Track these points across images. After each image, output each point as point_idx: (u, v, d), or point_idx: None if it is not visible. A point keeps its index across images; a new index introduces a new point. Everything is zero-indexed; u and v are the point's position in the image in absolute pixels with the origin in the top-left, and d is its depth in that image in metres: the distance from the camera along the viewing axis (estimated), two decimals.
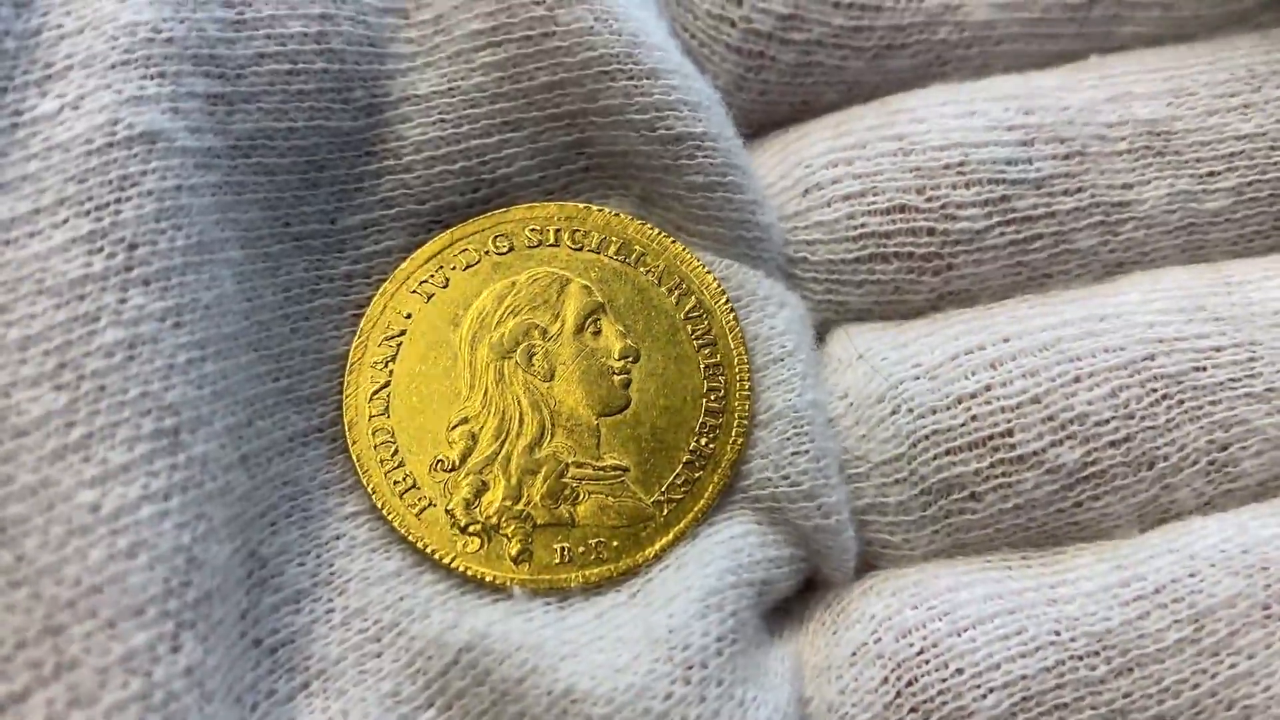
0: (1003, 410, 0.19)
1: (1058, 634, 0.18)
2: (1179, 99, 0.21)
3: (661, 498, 0.19)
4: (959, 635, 0.18)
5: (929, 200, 0.20)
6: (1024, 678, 0.17)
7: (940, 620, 0.18)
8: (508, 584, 0.18)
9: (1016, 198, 0.20)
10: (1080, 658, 0.18)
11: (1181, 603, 0.18)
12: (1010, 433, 0.19)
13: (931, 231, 0.20)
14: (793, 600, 0.19)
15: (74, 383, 0.15)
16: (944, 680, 0.17)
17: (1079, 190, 0.20)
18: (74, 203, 0.16)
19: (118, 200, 0.16)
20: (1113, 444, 0.19)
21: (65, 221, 0.16)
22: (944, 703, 0.17)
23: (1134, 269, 0.21)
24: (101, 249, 0.16)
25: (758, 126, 0.21)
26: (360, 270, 0.19)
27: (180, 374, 0.16)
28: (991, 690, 0.17)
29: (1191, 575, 0.18)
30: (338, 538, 0.18)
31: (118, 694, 0.15)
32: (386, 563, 0.18)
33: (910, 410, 0.19)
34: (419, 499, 0.18)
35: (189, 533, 0.16)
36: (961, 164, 0.20)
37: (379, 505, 0.18)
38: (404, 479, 0.18)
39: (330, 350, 0.19)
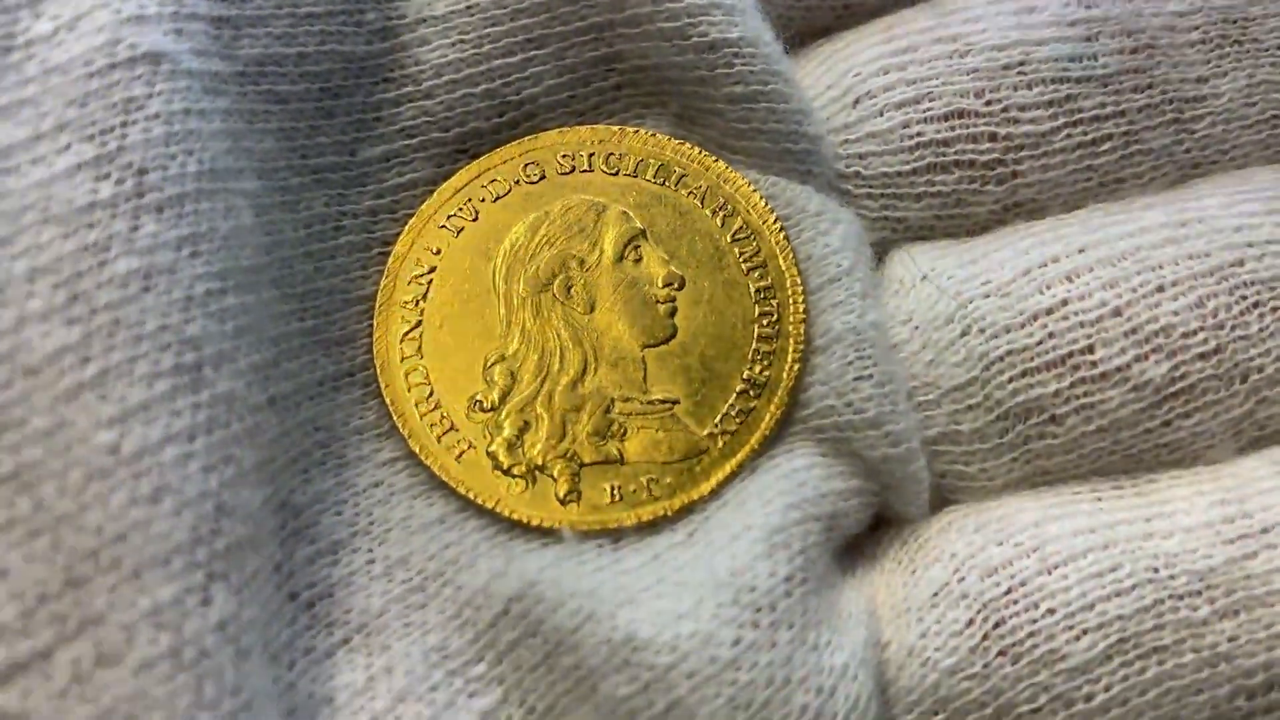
0: (1082, 325, 0.17)
1: (1156, 571, 0.16)
2: None
3: (716, 430, 0.17)
4: (1049, 573, 0.16)
5: (989, 104, 0.18)
6: (1120, 618, 0.16)
7: (1029, 557, 0.16)
8: (556, 526, 0.17)
9: (1082, 96, 0.19)
10: (1181, 597, 0.16)
11: None
12: (1091, 349, 0.17)
13: (993, 137, 0.18)
14: (864, 538, 0.18)
15: (86, 316, 0.14)
16: (1034, 621, 0.16)
17: (1149, 86, 0.19)
18: (76, 127, 0.15)
19: (123, 124, 0.15)
20: (1202, 356, 0.17)
21: (68, 147, 0.15)
22: (1034, 645, 0.16)
23: (1213, 169, 0.19)
24: (109, 175, 0.15)
25: (799, 35, 0.20)
26: (384, 205, 0.18)
27: (200, 306, 0.15)
28: (1086, 631, 0.16)
29: None
30: (375, 485, 0.17)
31: (146, 650, 0.14)
32: (429, 509, 0.17)
33: (982, 330, 0.18)
34: (458, 442, 0.17)
35: (216, 476, 0.15)
36: (1022, 64, 0.19)
37: (417, 450, 0.17)
38: (441, 421, 0.17)
39: (357, 290, 0.18)
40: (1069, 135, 0.19)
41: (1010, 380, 0.17)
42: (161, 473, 0.14)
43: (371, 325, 0.18)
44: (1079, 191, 0.19)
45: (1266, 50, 0.19)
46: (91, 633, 0.13)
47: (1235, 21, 0.19)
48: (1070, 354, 0.17)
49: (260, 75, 0.17)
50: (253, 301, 0.16)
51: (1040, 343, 0.17)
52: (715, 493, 0.17)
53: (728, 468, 0.17)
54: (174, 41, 0.16)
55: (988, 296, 0.18)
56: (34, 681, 0.13)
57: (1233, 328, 0.17)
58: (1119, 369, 0.17)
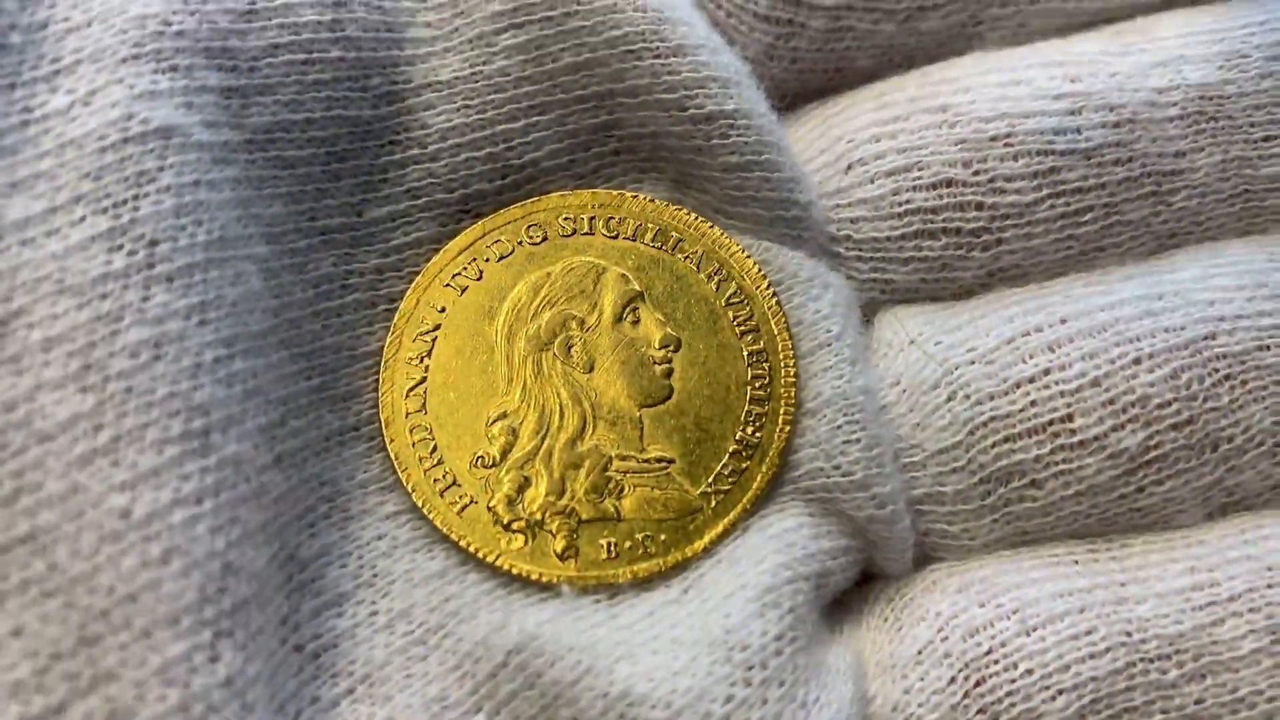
0: (1062, 395, 0.18)
1: (1129, 635, 0.17)
2: (1230, 62, 0.20)
3: (709, 489, 0.18)
4: (1028, 635, 0.17)
5: (976, 174, 0.19)
6: (1094, 679, 0.17)
7: (1009, 619, 0.17)
8: (555, 581, 0.17)
9: (1066, 169, 0.19)
10: (1152, 660, 0.17)
11: (1258, 613, 0.17)
12: (1070, 417, 0.18)
13: (979, 206, 0.19)
14: (850, 594, 0.19)
15: (100, 384, 0.15)
16: (1013, 681, 0.17)
17: (1129, 160, 0.19)
18: (90, 200, 0.15)
19: (135, 197, 0.16)
20: (1175, 427, 0.18)
21: (83, 219, 0.15)
22: (1013, 704, 0.17)
23: (1188, 240, 0.20)
24: (122, 246, 0.15)
25: (791, 98, 0.21)
26: (390, 264, 0.19)
27: (208, 373, 0.15)
28: (1061, 692, 0.17)
29: (1269, 586, 0.17)
30: (379, 538, 0.17)
31: (156, 707, 0.14)
32: (430, 563, 0.17)
33: (967, 396, 0.18)
34: (460, 496, 0.18)
35: (223, 537, 0.15)
36: (1009, 135, 0.19)
37: (420, 504, 0.18)
38: (444, 477, 0.18)
39: (363, 347, 0.18)
40: (1052, 206, 0.19)
41: (993, 445, 0.18)
42: (171, 535, 0.15)
43: (377, 381, 0.18)
44: (1060, 260, 0.19)
45: (1239, 127, 0.20)
46: (104, 689, 0.14)
47: (1211, 99, 0.20)
48: (1050, 422, 0.18)
49: (269, 142, 0.17)
50: (260, 365, 0.16)
51: (1022, 410, 0.18)
52: (708, 550, 0.18)
53: (720, 526, 0.18)
54: (185, 115, 0.16)
55: (973, 363, 0.18)
56: None
57: (1204, 399, 0.18)
58: (1096, 438, 0.18)
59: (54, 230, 0.15)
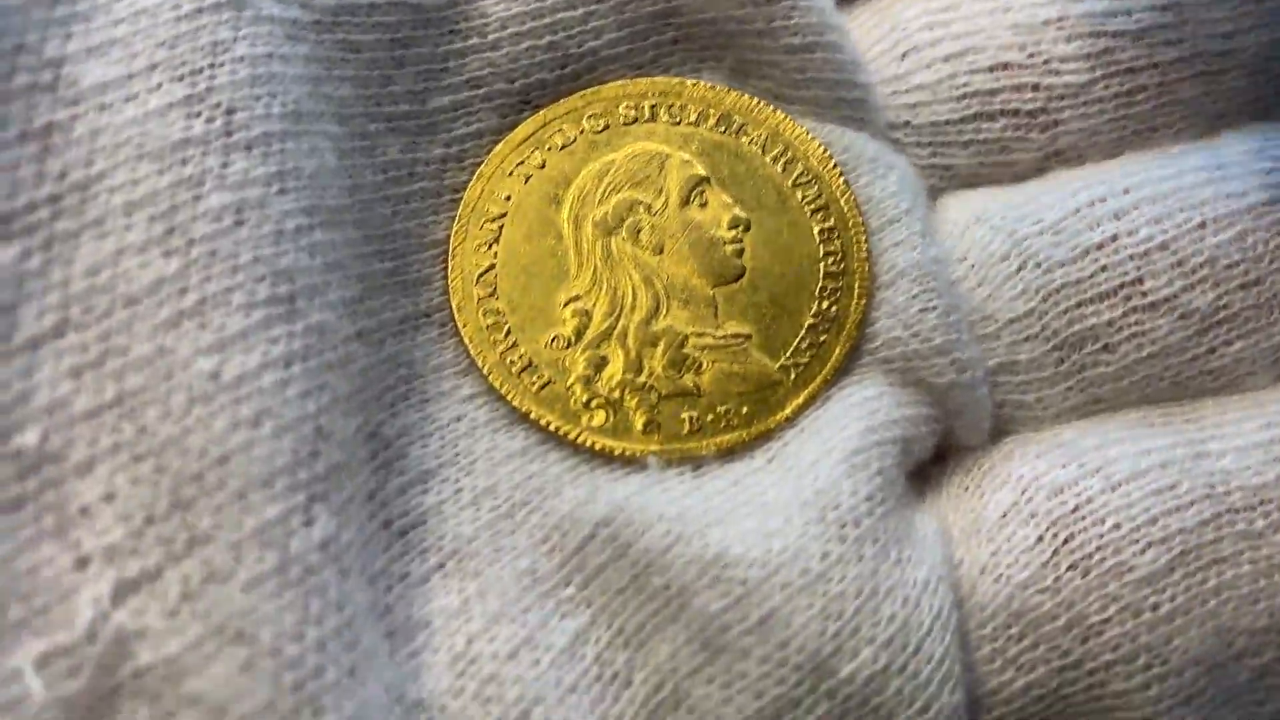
0: (1131, 259, 0.18)
1: (1212, 488, 0.17)
2: None
3: (788, 363, 0.18)
4: (1113, 491, 0.17)
5: (1031, 56, 0.19)
6: (1182, 531, 0.17)
7: (1093, 476, 0.17)
8: (639, 455, 0.17)
9: (1119, 49, 0.19)
10: (1238, 511, 0.17)
11: None
12: (1140, 280, 0.18)
13: (1036, 87, 0.19)
14: (929, 468, 0.19)
15: (184, 248, 0.15)
16: (1101, 536, 0.17)
17: (1180, 40, 0.20)
18: (167, 67, 0.15)
19: (211, 65, 0.15)
20: (1243, 286, 0.18)
21: (160, 86, 0.15)
22: (1103, 558, 0.17)
23: (1240, 120, 0.20)
24: (200, 113, 0.15)
25: None
26: (453, 154, 0.18)
27: (290, 240, 0.15)
28: (1150, 545, 0.17)
29: None
30: (458, 419, 0.17)
31: (254, 569, 0.14)
32: (510, 442, 0.17)
33: (1038, 265, 0.18)
34: (537, 378, 0.17)
35: (314, 402, 0.15)
36: (1061, 19, 0.19)
37: (497, 386, 0.17)
38: (520, 359, 0.18)
39: (430, 235, 0.18)
40: (1106, 86, 0.19)
41: (1066, 311, 0.18)
42: (261, 398, 0.14)
43: (446, 268, 0.18)
44: (1116, 140, 0.20)
45: None
46: (200, 552, 0.14)
47: None
48: (1121, 285, 0.18)
49: (335, 24, 0.17)
50: (339, 239, 0.16)
51: (1093, 275, 0.18)
52: (791, 420, 0.17)
53: (802, 396, 0.18)
54: None
55: (1041, 234, 0.18)
56: (145, 600, 0.13)
57: (1270, 261, 0.18)
58: (1167, 299, 0.18)
59: (132, 96, 0.15)
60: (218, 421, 0.14)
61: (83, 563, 0.13)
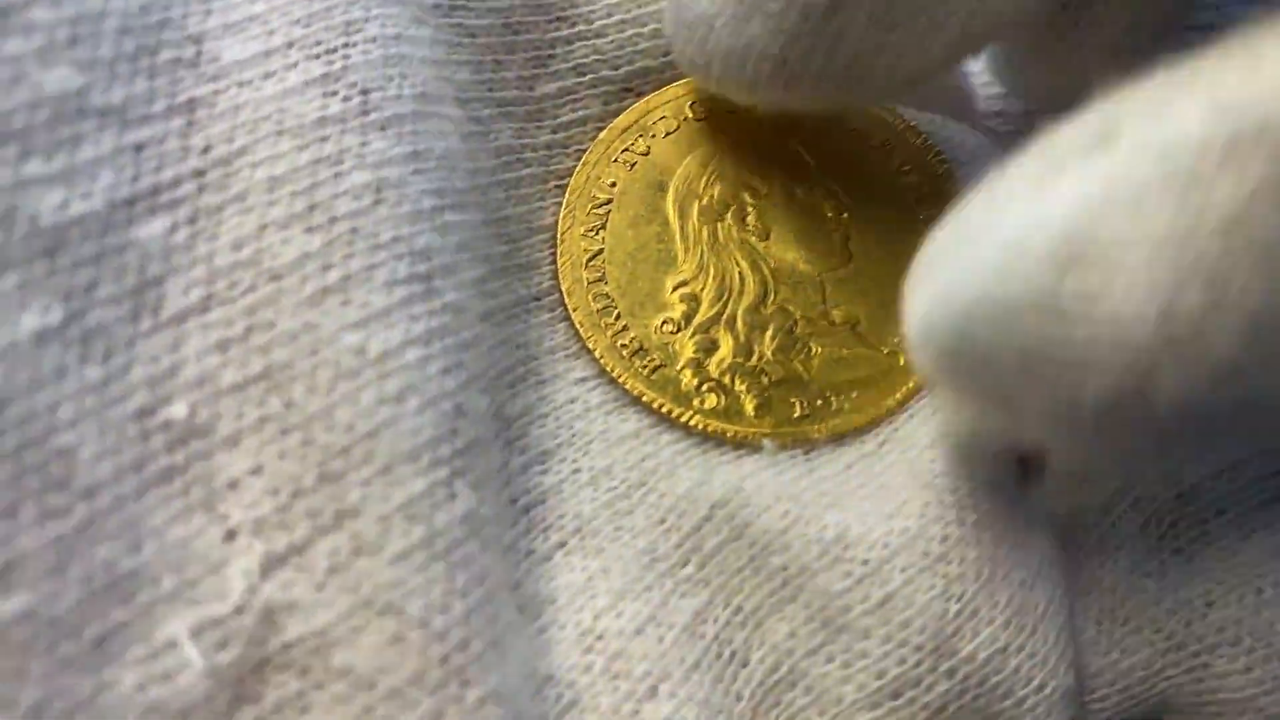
0: None
1: None
2: None
3: (898, 348, 0.18)
4: (1216, 479, 0.17)
5: None
6: None
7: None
8: (750, 437, 0.17)
9: None
10: None
11: None
12: None
13: None
14: (1032, 457, 0.19)
15: (326, 225, 0.15)
16: (1205, 522, 0.17)
17: None
18: (303, 45, 0.15)
19: (345, 45, 0.16)
20: None
21: (296, 64, 0.15)
22: (1207, 544, 0.17)
23: None
24: (336, 92, 0.15)
25: None
26: (559, 140, 0.19)
27: (426, 220, 0.15)
28: (1254, 531, 0.17)
29: None
30: (572, 401, 0.17)
31: (401, 542, 0.14)
32: (623, 424, 0.17)
33: None
34: (648, 361, 0.18)
35: (453, 379, 0.15)
36: None
37: (609, 369, 0.17)
38: (630, 343, 0.18)
39: (538, 220, 0.18)
40: None
41: None
42: (406, 374, 0.14)
43: (554, 253, 0.18)
44: None
45: None
46: (348, 525, 0.14)
47: None
48: None
49: (453, 8, 0.17)
50: (466, 220, 0.16)
51: None
52: (901, 405, 0.18)
53: (911, 382, 0.18)
54: None
55: None
56: (294, 573, 0.13)
57: None
58: None
59: (270, 73, 0.15)
60: (364, 396, 0.14)
61: (231, 535, 0.13)
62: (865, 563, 0.16)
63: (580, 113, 0.19)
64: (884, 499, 0.16)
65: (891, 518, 0.16)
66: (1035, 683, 0.16)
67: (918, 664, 0.16)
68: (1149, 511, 0.17)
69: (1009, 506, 0.17)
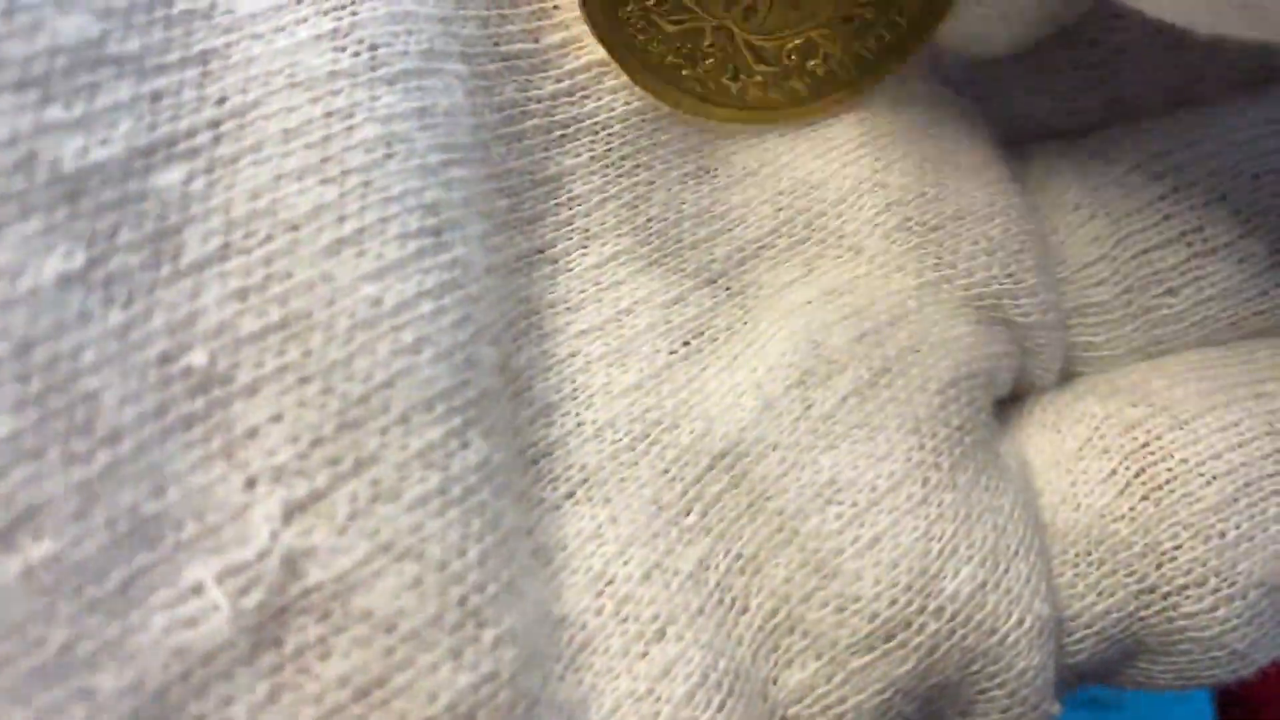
0: (1191, 208, 0.20)
1: (1271, 425, 0.19)
2: None
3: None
4: (1180, 428, 0.19)
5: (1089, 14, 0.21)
6: (1244, 464, 0.18)
7: (1161, 414, 0.19)
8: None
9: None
10: None
11: None
12: (1201, 228, 0.20)
13: (1094, 41, 0.21)
14: (1006, 406, 0.20)
15: (339, 177, 0.15)
16: (1170, 469, 0.18)
17: None
18: (312, 0, 0.15)
19: (352, 1, 0.16)
20: None
21: (307, 19, 0.15)
22: (1172, 490, 0.18)
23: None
24: (345, 48, 0.15)
25: None
26: (564, 89, 0.19)
27: (434, 174, 0.16)
28: (1215, 477, 0.18)
29: None
30: (573, 355, 0.18)
31: (419, 489, 0.14)
32: (624, 375, 0.18)
33: (1108, 214, 0.20)
34: None
35: (465, 331, 0.15)
36: None
37: None
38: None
39: (542, 171, 0.19)
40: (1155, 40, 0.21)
41: (1134, 257, 0.20)
42: (420, 325, 0.15)
43: (556, 205, 0.18)
44: (1172, 89, 0.21)
45: None
46: (367, 472, 0.14)
47: None
48: (1184, 233, 0.20)
49: None
50: (470, 175, 0.17)
51: (1157, 224, 0.20)
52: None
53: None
54: None
55: (1109, 185, 0.20)
56: (314, 519, 0.14)
57: None
58: (1226, 244, 0.20)
59: (282, 26, 0.15)
60: (381, 346, 0.14)
61: (251, 483, 0.14)
62: (855, 504, 0.17)
63: (585, 58, 0.19)
64: (877, 441, 0.17)
65: (881, 460, 0.17)
66: (1014, 618, 0.17)
67: (908, 604, 0.17)
68: (1117, 458, 0.18)
69: (984, 450, 0.18)
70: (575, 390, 0.17)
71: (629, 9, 0.18)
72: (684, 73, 0.19)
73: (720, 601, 0.17)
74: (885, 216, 0.19)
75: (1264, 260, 0.20)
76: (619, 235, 0.19)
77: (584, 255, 0.19)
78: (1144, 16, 0.20)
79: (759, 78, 0.19)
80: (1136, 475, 0.18)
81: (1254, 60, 0.21)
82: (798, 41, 0.19)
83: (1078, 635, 0.18)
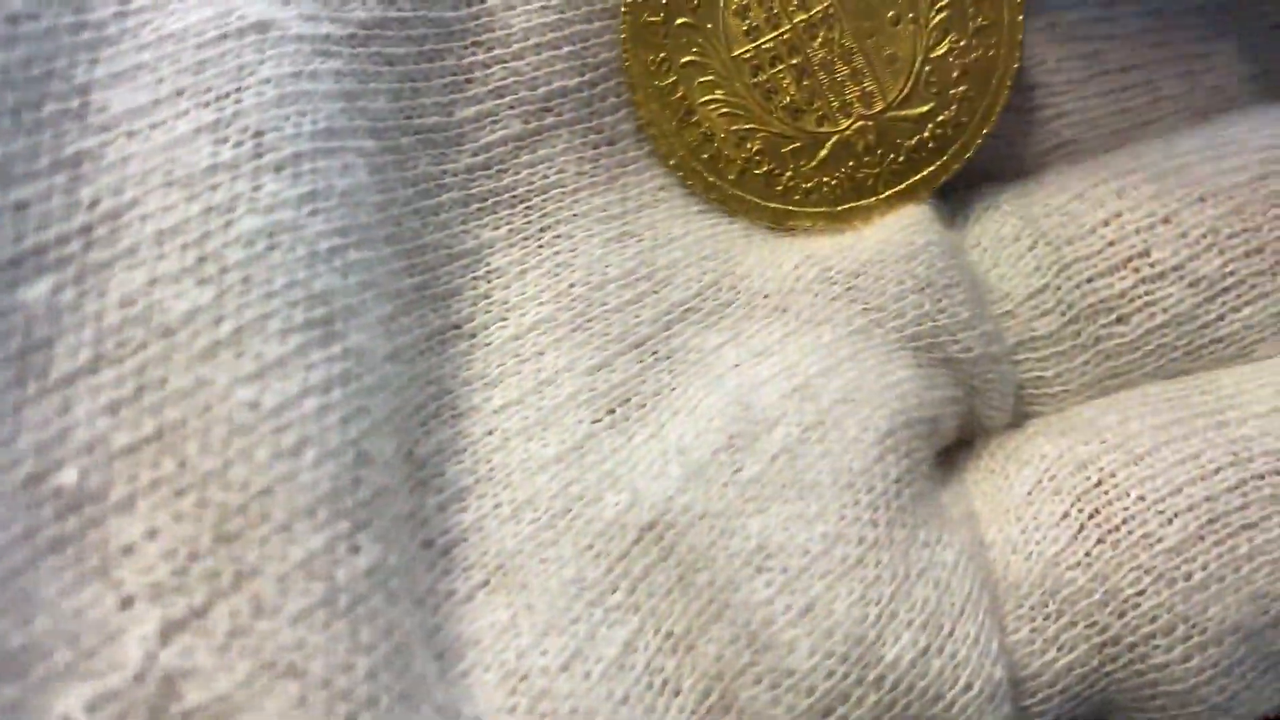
0: (1137, 231, 0.19)
1: (1236, 455, 0.17)
2: None
3: None
4: (1136, 464, 0.17)
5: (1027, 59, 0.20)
6: (1208, 499, 0.17)
7: (1115, 451, 0.18)
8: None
9: (1107, 53, 0.20)
10: (1263, 476, 0.17)
11: None
12: (1148, 252, 0.19)
13: (1035, 85, 0.20)
14: (954, 451, 0.19)
15: (217, 276, 0.14)
16: (1126, 509, 0.17)
17: (1164, 44, 0.20)
18: (193, 93, 0.15)
19: (237, 89, 0.15)
20: (1247, 254, 0.19)
21: (186, 112, 0.15)
22: (1130, 530, 0.17)
23: (1229, 110, 0.21)
24: (227, 139, 0.15)
25: None
26: (480, 162, 0.18)
27: (324, 262, 0.15)
28: (1177, 514, 0.17)
29: None
30: (489, 433, 0.17)
31: (301, 601, 0.14)
32: (544, 450, 0.17)
33: (1049, 242, 0.19)
34: None
35: (355, 427, 0.15)
36: (1052, 25, 0.20)
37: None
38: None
39: (459, 245, 0.18)
40: (1099, 84, 0.20)
41: (1079, 285, 0.19)
42: (303, 425, 0.14)
43: (474, 278, 0.18)
44: (1114, 132, 0.20)
45: (1265, 14, 0.20)
46: (247, 586, 0.13)
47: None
48: (1130, 258, 0.19)
49: (369, 37, 0.17)
50: (372, 257, 0.16)
51: (1101, 250, 0.19)
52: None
53: None
54: (280, 9, 0.16)
55: (1049, 215, 0.19)
56: (193, 638, 0.13)
57: (1269, 230, 0.19)
58: (1175, 268, 0.19)
59: (159, 123, 0.15)
60: (259, 452, 0.14)
61: (127, 602, 0.13)
62: (786, 570, 0.16)
63: (500, 132, 0.19)
64: (808, 501, 0.16)
65: (812, 521, 0.16)
66: (961, 683, 0.16)
67: (845, 675, 0.16)
68: (1069, 500, 0.17)
69: (924, 503, 0.17)
70: (492, 470, 0.17)
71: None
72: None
73: (649, 686, 0.16)
74: (804, 269, 0.19)
75: (1216, 284, 0.19)
76: (539, 304, 0.18)
77: (503, 328, 0.18)
78: (1081, 58, 0.20)
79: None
80: (1090, 517, 0.17)
81: (1196, 102, 0.20)
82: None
83: (1041, 695, 0.17)
